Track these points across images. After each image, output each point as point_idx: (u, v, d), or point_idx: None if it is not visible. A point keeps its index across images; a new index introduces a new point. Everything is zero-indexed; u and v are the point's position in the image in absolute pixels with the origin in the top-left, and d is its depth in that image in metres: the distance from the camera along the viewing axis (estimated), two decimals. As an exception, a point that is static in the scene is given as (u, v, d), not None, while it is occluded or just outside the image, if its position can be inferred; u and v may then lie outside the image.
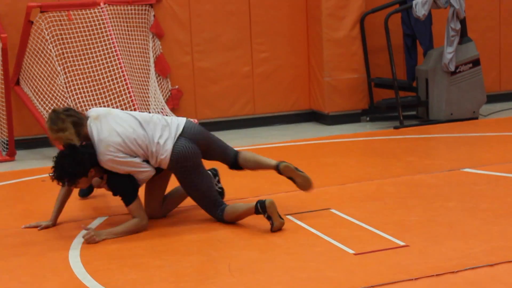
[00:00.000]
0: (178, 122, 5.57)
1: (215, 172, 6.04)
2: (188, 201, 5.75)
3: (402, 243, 4.89)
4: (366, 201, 5.96)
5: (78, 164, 5.22)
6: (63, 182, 5.34)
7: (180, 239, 5.25)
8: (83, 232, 5.37)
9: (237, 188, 6.46)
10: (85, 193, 6.35)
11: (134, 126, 5.40)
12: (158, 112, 8.93)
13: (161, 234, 5.35)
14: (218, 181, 6.06)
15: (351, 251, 4.79)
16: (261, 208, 5.30)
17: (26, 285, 4.48)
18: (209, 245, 5.06)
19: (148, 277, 4.53)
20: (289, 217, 5.60)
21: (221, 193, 6.07)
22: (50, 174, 5.31)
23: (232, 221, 5.49)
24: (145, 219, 5.42)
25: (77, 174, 5.25)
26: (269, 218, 5.28)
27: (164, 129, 5.47)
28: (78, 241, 5.26)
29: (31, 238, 5.41)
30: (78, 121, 5.40)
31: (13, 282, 4.54)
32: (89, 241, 5.19)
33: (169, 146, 5.40)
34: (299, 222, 5.46)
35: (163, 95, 9.26)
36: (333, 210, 5.73)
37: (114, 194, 5.46)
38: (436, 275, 4.32)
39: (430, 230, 5.16)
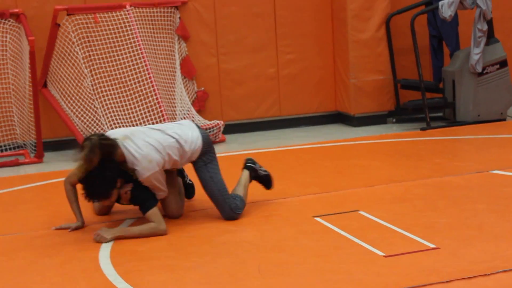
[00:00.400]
0: (189, 122, 5.83)
1: (252, 162, 6.12)
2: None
3: (432, 245, 4.87)
4: (395, 203, 5.94)
5: (107, 180, 5.32)
6: (97, 200, 5.44)
7: (209, 241, 5.26)
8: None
9: (264, 190, 6.45)
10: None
11: (159, 134, 5.56)
12: (184, 114, 8.96)
13: (190, 236, 5.37)
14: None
15: (381, 253, 4.77)
16: (253, 162, 5.93)
17: (57, 286, 4.51)
18: (238, 247, 5.07)
19: (179, 279, 4.55)
20: (318, 219, 5.59)
21: (268, 175, 6.14)
22: (84, 195, 5.35)
23: (244, 204, 5.76)
24: (164, 224, 5.44)
25: (108, 189, 5.33)
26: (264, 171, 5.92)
27: (181, 127, 5.71)
28: (107, 243, 5.28)
29: (61, 239, 5.44)
30: (112, 146, 5.43)
31: (44, 283, 4.57)
32: (98, 240, 5.28)
33: (197, 133, 5.69)
34: (328, 224, 5.45)
35: (189, 97, 9.29)
36: (361, 212, 5.71)
37: (135, 202, 5.50)
38: (468, 277, 4.30)
39: (460, 232, 5.13)
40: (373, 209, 5.78)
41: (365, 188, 6.45)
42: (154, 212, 5.44)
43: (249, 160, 6.15)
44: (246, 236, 5.31)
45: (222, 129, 9.05)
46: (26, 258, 5.07)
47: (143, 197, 5.47)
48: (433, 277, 4.33)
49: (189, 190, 6.23)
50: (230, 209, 5.69)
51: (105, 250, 5.13)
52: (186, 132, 5.66)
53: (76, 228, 5.63)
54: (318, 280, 4.39)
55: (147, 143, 5.46)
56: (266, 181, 6.13)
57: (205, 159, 5.70)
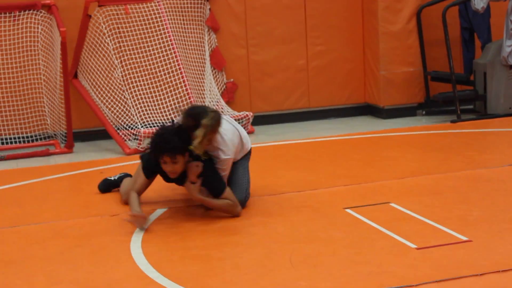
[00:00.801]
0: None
1: None
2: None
3: (465, 238, 4.83)
4: (426, 196, 5.89)
5: (183, 140, 5.26)
6: (162, 154, 5.27)
7: (241, 231, 5.26)
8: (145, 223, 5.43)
9: (294, 182, 6.46)
10: (106, 188, 6.42)
11: (229, 124, 5.71)
12: (214, 105, 8.97)
13: (221, 227, 5.37)
14: None
15: (413, 246, 4.74)
16: None
17: (91, 275, 4.53)
18: (269, 238, 5.06)
19: (210, 269, 4.55)
20: (349, 210, 5.57)
21: None
22: (146, 147, 5.29)
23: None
24: (239, 207, 5.55)
25: (179, 148, 5.22)
26: None
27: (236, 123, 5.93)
28: (139, 232, 5.30)
29: (92, 229, 5.47)
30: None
31: (77, 272, 4.59)
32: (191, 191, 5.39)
33: (247, 133, 5.95)
34: (359, 216, 5.42)
35: (218, 88, 9.29)
36: (392, 204, 5.68)
37: (209, 182, 5.45)
38: (502, 271, 4.25)
39: (493, 226, 5.08)
40: (404, 201, 5.74)
41: (395, 180, 6.41)
42: (228, 193, 5.51)
43: None
44: (277, 227, 5.30)
45: (251, 120, 9.04)
46: (58, 246, 5.10)
47: (218, 178, 5.50)
48: (466, 270, 4.29)
49: None
50: (244, 199, 5.73)
51: (136, 240, 5.14)
52: (243, 130, 5.87)
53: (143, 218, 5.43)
54: (351, 272, 4.37)
55: (231, 128, 5.63)
56: None
57: (243, 160, 5.84)
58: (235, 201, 5.52)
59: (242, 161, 5.83)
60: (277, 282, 4.26)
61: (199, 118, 5.31)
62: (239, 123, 8.76)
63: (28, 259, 4.87)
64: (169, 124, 5.54)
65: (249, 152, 5.93)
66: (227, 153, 5.52)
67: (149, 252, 4.88)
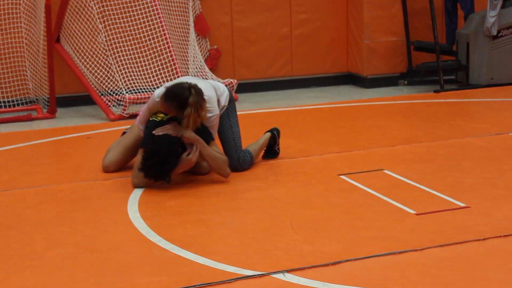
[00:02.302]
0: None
1: (277, 133, 6.14)
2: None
3: (462, 204, 4.86)
4: (419, 163, 5.92)
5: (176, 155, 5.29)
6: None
7: (237, 197, 5.24)
8: (139, 189, 5.39)
9: (285, 148, 6.43)
10: None
11: (201, 82, 5.70)
12: (197, 72, 8.89)
13: (217, 192, 5.34)
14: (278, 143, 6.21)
15: (412, 211, 4.76)
16: (278, 134, 6.06)
17: (90, 239, 4.48)
18: (267, 203, 5.05)
19: (212, 233, 4.53)
20: (343, 177, 5.58)
21: (277, 153, 6.17)
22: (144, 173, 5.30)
23: (252, 161, 5.82)
24: (228, 169, 5.51)
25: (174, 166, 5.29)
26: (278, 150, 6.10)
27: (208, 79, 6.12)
28: (134, 196, 5.26)
29: (86, 193, 5.41)
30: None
31: (76, 236, 4.54)
32: (178, 132, 5.31)
33: (224, 87, 5.87)
34: (354, 182, 5.43)
35: (202, 55, 9.20)
36: (386, 171, 5.69)
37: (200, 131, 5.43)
38: (504, 236, 4.29)
39: (489, 192, 5.12)
40: (398, 168, 5.76)
41: (386, 148, 6.43)
42: (219, 150, 5.52)
43: (275, 129, 6.16)
44: (274, 193, 5.28)
45: (235, 87, 8.98)
46: (53, 210, 5.04)
47: (206, 129, 5.49)
48: (468, 235, 4.32)
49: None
50: (238, 160, 5.75)
51: (132, 203, 5.10)
52: (216, 82, 5.85)
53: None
54: (354, 237, 4.37)
55: (206, 85, 5.60)
56: (271, 155, 6.16)
57: (229, 108, 5.81)
58: (225, 159, 5.50)
59: (222, 116, 5.76)
60: (281, 246, 4.25)
61: (182, 98, 5.28)
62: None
63: (24, 223, 4.80)
64: (159, 138, 5.33)
65: (230, 102, 5.82)
66: (212, 111, 5.51)
67: (147, 216, 4.83)
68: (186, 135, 5.33)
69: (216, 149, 5.48)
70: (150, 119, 5.54)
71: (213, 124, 5.57)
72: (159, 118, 5.49)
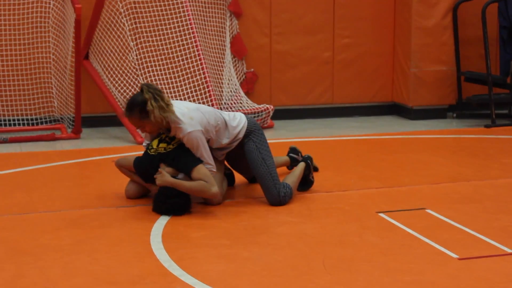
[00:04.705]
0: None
1: (310, 161, 6.23)
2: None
3: (510, 251, 4.81)
4: (464, 203, 5.87)
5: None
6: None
7: (268, 231, 5.24)
8: (163, 217, 5.43)
9: (321, 182, 6.43)
10: None
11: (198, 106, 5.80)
12: (232, 95, 8.95)
13: (246, 225, 5.35)
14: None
15: (454, 256, 4.72)
16: (311, 162, 6.14)
17: (110, 269, 4.51)
18: (299, 240, 5.04)
19: (238, 269, 4.53)
20: (382, 215, 5.55)
21: (312, 182, 6.26)
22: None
23: (292, 195, 5.86)
24: (216, 187, 5.54)
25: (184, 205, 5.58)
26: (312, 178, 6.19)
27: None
28: (158, 225, 5.29)
29: (108, 220, 5.46)
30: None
31: (95, 266, 4.57)
32: (161, 180, 5.48)
33: (241, 115, 5.89)
34: (393, 221, 5.40)
35: (237, 78, 9.26)
36: (429, 211, 5.66)
37: (180, 164, 5.56)
38: (553, 287, 4.24)
39: (539, 239, 5.06)
40: (441, 208, 5.72)
41: (430, 185, 6.40)
42: (203, 171, 5.53)
43: (308, 158, 6.23)
44: (306, 228, 5.28)
45: (271, 114, 9.02)
46: (73, 237, 5.08)
47: (188, 158, 5.56)
48: (514, 284, 4.27)
49: (229, 179, 6.30)
50: (278, 194, 5.76)
51: (156, 234, 5.13)
52: (232, 113, 5.95)
53: None
54: (388, 280, 4.35)
55: (188, 105, 5.68)
56: (305, 185, 6.21)
57: (254, 139, 5.83)
58: (210, 181, 5.51)
59: (249, 145, 5.80)
60: (312, 286, 4.24)
61: (138, 101, 5.46)
62: (258, 116, 8.77)
63: (41, 249, 4.85)
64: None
65: (254, 132, 5.85)
66: (187, 127, 5.49)
67: (171, 248, 4.86)
68: (158, 182, 5.53)
69: (201, 174, 5.50)
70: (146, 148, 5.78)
71: (193, 143, 5.54)
72: (152, 151, 5.67)
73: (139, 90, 5.58)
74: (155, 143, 5.71)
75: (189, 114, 5.57)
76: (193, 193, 5.56)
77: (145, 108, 5.46)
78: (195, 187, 5.52)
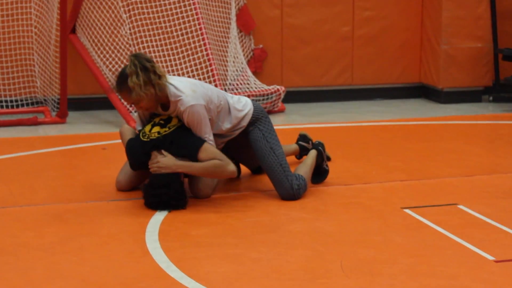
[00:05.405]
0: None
1: (322, 148, 6.24)
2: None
3: (553, 252, 4.82)
4: (502, 198, 5.89)
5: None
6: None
7: (278, 229, 5.26)
8: (160, 212, 5.45)
9: (339, 173, 6.45)
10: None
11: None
12: (237, 75, 8.96)
13: (254, 222, 5.37)
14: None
15: (490, 257, 4.72)
16: (323, 149, 6.13)
17: (100, 271, 4.53)
18: (314, 239, 5.05)
19: (245, 272, 4.54)
20: (408, 211, 5.56)
21: (327, 171, 6.27)
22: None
23: (307, 187, 5.87)
24: (232, 164, 5.58)
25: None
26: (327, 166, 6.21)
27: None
28: (154, 221, 5.31)
29: (98, 215, 5.48)
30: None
31: (83, 267, 4.59)
32: (157, 167, 5.48)
33: (246, 100, 5.92)
34: (421, 218, 5.41)
35: (244, 55, 9.27)
36: (461, 206, 5.67)
37: (182, 146, 5.56)
38: None
39: None
40: (475, 203, 5.73)
41: (462, 177, 6.41)
42: (212, 149, 5.56)
43: (319, 144, 6.23)
44: (321, 226, 5.29)
45: (282, 96, 9.03)
46: (58, 234, 5.10)
47: (191, 138, 5.58)
48: (558, 290, 4.28)
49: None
50: (291, 186, 5.77)
51: (152, 231, 5.14)
52: (232, 95, 5.97)
53: None
54: (415, 285, 4.35)
55: (188, 79, 5.74)
56: (320, 175, 6.21)
57: (261, 127, 5.86)
58: (223, 158, 5.54)
59: (255, 133, 5.83)
60: (328, 291, 4.26)
61: (124, 74, 5.47)
62: (268, 98, 8.78)
63: (22, 248, 4.87)
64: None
65: (261, 119, 5.88)
66: (189, 100, 5.51)
67: (168, 247, 4.87)
68: (155, 169, 5.51)
69: (210, 153, 5.52)
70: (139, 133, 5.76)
71: (195, 117, 5.55)
72: (145, 138, 5.66)
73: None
74: (147, 128, 5.70)
75: (191, 87, 5.60)
76: (207, 175, 5.58)
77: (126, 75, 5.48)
78: (209, 167, 5.52)
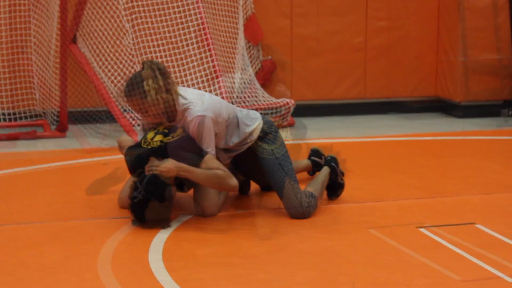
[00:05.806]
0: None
1: (335, 163, 6.29)
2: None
3: None
4: (522, 217, 5.91)
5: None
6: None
7: (287, 248, 5.27)
8: (163, 231, 5.47)
9: (350, 190, 6.46)
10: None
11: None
12: (245, 87, 8.98)
13: (262, 241, 5.38)
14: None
15: (509, 280, 4.73)
16: (336, 164, 6.20)
17: (101, 291, 4.55)
18: (324, 259, 5.07)
19: (253, 293, 4.56)
20: (423, 230, 5.57)
21: (343, 185, 6.32)
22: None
23: (317, 205, 5.90)
24: (234, 178, 5.60)
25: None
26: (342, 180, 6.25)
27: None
28: (158, 240, 5.33)
29: (99, 234, 5.50)
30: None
31: (86, 287, 4.61)
32: (158, 170, 5.47)
33: (256, 114, 5.98)
34: (437, 238, 5.42)
35: (252, 67, 9.30)
36: (479, 226, 5.68)
37: (184, 155, 5.59)
38: None
39: None
40: (494, 222, 5.74)
41: (480, 195, 6.43)
42: (215, 161, 5.60)
43: (332, 159, 6.24)
44: (332, 245, 5.30)
45: (291, 110, 9.05)
46: (58, 254, 5.12)
47: (194, 149, 5.62)
48: None
49: (244, 186, 6.36)
50: (300, 204, 5.78)
51: (156, 250, 5.16)
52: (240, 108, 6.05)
53: None
54: (431, 308, 4.37)
55: (198, 91, 5.81)
56: (336, 190, 6.26)
57: (270, 142, 5.88)
58: (226, 170, 5.58)
59: (263, 149, 5.87)
60: (340, 314, 4.28)
61: (138, 81, 5.53)
62: (277, 112, 8.80)
63: (20, 268, 4.89)
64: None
65: (270, 134, 5.91)
66: (196, 110, 5.57)
67: (173, 267, 4.89)
68: (163, 168, 5.50)
69: (212, 165, 5.56)
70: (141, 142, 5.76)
71: (200, 129, 5.59)
72: (145, 145, 5.68)
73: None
74: (150, 135, 5.71)
75: (201, 98, 5.68)
76: (208, 184, 5.61)
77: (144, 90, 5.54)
78: (212, 176, 5.55)
